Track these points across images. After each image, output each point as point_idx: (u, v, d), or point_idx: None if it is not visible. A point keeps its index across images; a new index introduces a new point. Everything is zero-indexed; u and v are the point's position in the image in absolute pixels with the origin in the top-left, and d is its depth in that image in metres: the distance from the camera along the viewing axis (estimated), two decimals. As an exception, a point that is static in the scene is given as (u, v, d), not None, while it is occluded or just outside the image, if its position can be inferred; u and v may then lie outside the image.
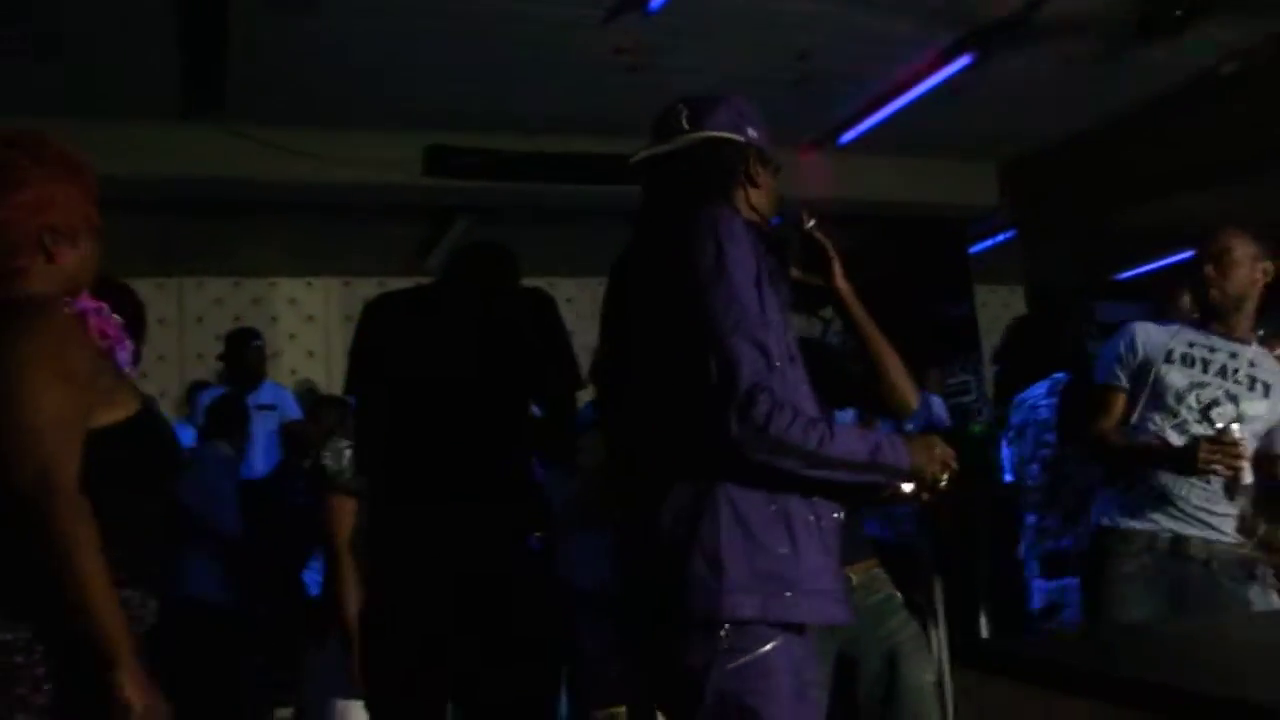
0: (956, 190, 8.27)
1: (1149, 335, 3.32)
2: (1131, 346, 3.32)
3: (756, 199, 2.41)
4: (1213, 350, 3.28)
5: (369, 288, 9.76)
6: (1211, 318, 3.34)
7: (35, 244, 2.06)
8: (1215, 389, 3.24)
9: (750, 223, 2.28)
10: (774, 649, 2.09)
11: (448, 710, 3.17)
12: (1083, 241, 8.75)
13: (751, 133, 2.40)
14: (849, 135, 7.25)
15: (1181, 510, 3.20)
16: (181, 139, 6.27)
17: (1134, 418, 3.32)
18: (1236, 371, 3.26)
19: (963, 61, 6.06)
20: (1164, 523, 3.21)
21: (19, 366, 1.91)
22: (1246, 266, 3.28)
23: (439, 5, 5.24)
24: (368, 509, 3.39)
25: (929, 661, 2.89)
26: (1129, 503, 3.25)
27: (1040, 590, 3.97)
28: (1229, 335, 3.33)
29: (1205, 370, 3.25)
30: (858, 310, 2.74)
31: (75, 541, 1.85)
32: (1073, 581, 3.71)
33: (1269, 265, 3.31)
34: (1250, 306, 3.34)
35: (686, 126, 2.40)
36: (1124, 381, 3.32)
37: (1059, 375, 4.34)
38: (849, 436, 2.16)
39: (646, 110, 2.56)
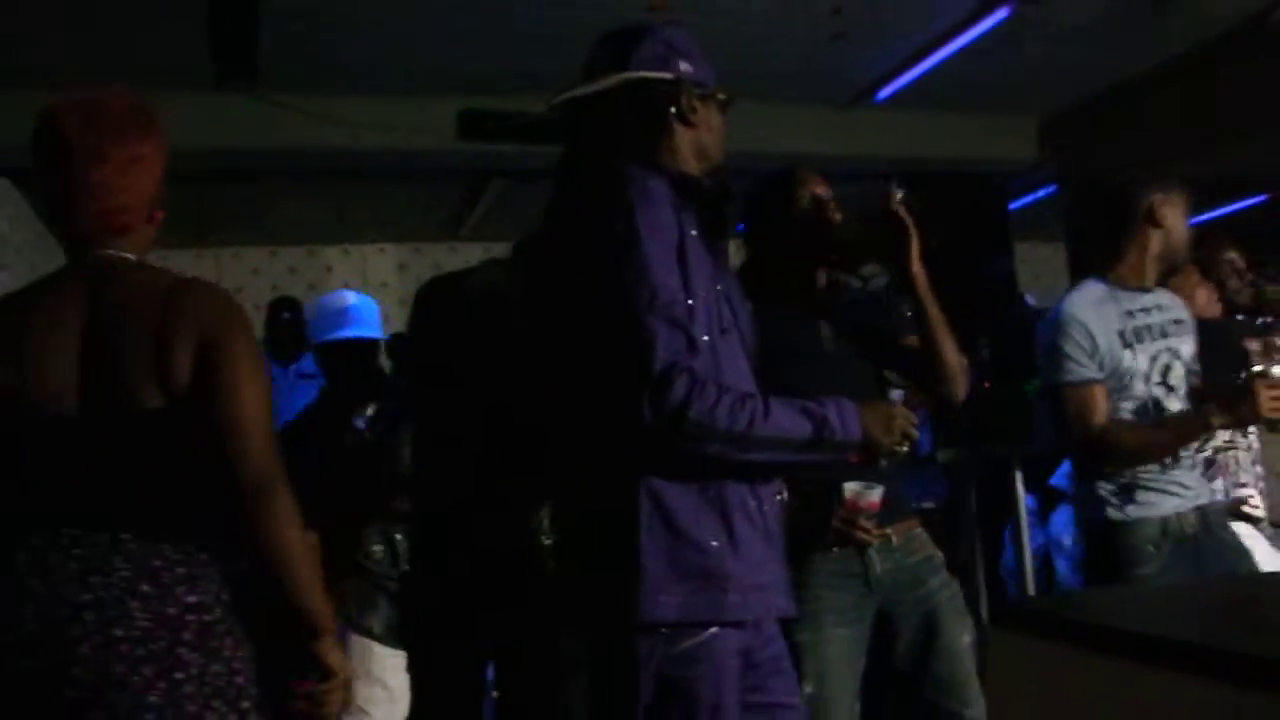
0: (996, 145, 8.17)
1: (1095, 322, 3.10)
2: (1088, 337, 3.09)
3: (693, 142, 2.15)
4: (1146, 311, 3.14)
5: (404, 254, 9.81)
6: (1141, 274, 3.18)
7: (146, 202, 2.02)
8: (1164, 354, 3.13)
9: (681, 176, 2.09)
10: (714, 635, 1.95)
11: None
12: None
13: (684, 66, 2.13)
14: (886, 91, 7.16)
15: (1173, 487, 3.09)
16: (215, 108, 6.27)
17: None
18: (1165, 324, 3.15)
19: (1000, 14, 5.96)
20: (1165, 505, 3.07)
21: (243, 357, 1.95)
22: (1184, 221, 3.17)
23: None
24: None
25: (967, 623, 2.85)
26: (1129, 492, 3.09)
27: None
28: (1147, 286, 3.18)
29: (1152, 338, 3.13)
30: (926, 292, 2.65)
31: (294, 525, 1.94)
32: None
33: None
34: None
35: (606, 66, 2.13)
36: (1098, 373, 3.09)
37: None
38: (787, 412, 1.97)
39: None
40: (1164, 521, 3.06)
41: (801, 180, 2.86)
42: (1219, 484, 3.56)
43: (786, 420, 1.96)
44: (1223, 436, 3.56)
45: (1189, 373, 3.16)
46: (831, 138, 7.43)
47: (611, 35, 2.19)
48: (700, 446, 1.90)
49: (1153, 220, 3.12)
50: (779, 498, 2.15)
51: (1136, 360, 3.09)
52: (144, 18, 5.38)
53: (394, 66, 6.27)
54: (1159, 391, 3.10)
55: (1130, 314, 3.11)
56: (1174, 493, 3.07)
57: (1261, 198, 8.74)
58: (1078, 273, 8.94)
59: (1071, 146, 8.10)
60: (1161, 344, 3.13)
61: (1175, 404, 3.10)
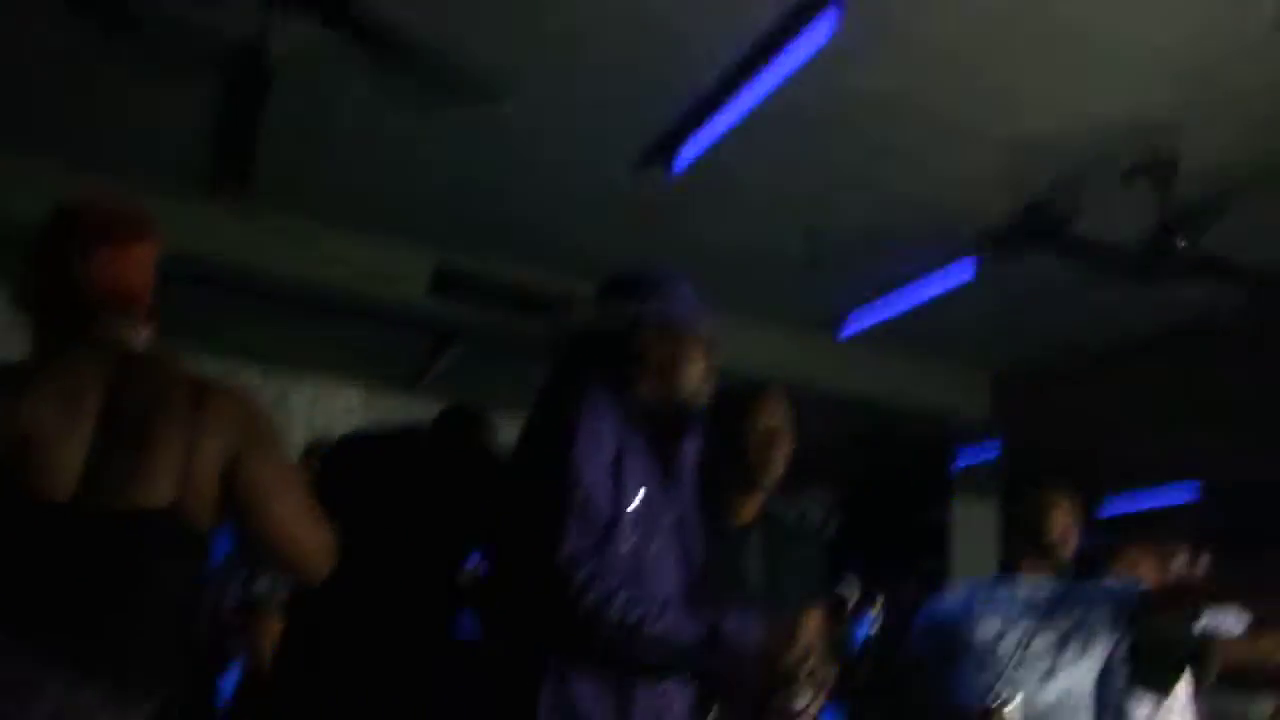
0: (949, 397, 8.35)
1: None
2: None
3: (656, 374, 2.37)
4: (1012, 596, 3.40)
5: (361, 395, 9.79)
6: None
7: (148, 293, 2.10)
8: (1029, 630, 3.34)
9: (639, 400, 2.30)
10: None
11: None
12: (1065, 468, 8.74)
13: (651, 306, 2.40)
14: (851, 327, 7.37)
15: None
16: (201, 215, 6.34)
17: None
18: (1042, 601, 3.38)
19: (965, 271, 6.18)
20: None
21: (276, 468, 2.02)
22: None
23: (474, 125, 5.32)
24: None
25: None
26: None
27: None
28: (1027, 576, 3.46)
29: (1020, 616, 3.35)
30: None
31: None
32: None
33: None
34: None
35: (593, 299, 2.47)
36: None
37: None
38: (684, 616, 2.10)
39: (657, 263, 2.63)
40: None
41: (761, 409, 2.92)
42: None
43: (678, 622, 2.09)
44: None
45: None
46: (790, 362, 7.55)
47: (611, 277, 2.50)
48: (592, 633, 2.04)
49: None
50: (678, 707, 2.21)
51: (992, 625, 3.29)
52: (150, 110, 5.48)
53: (383, 208, 6.39)
54: (1018, 655, 3.23)
55: (1006, 591, 3.35)
56: None
57: (1193, 490, 8.87)
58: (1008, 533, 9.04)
59: (1022, 410, 8.27)
60: (1023, 620, 3.29)
61: (1030, 671, 3.21)
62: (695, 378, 2.40)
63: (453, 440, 3.54)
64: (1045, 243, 5.73)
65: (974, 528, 9.45)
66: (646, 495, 2.20)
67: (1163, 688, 3.70)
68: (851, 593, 4.37)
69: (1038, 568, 3.40)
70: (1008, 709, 3.00)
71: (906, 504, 8.78)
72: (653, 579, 2.16)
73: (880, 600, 3.27)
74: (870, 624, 4.85)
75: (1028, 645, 3.24)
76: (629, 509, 2.15)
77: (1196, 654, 3.69)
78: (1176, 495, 8.72)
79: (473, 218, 6.37)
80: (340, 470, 3.31)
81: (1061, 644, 3.26)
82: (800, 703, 2.47)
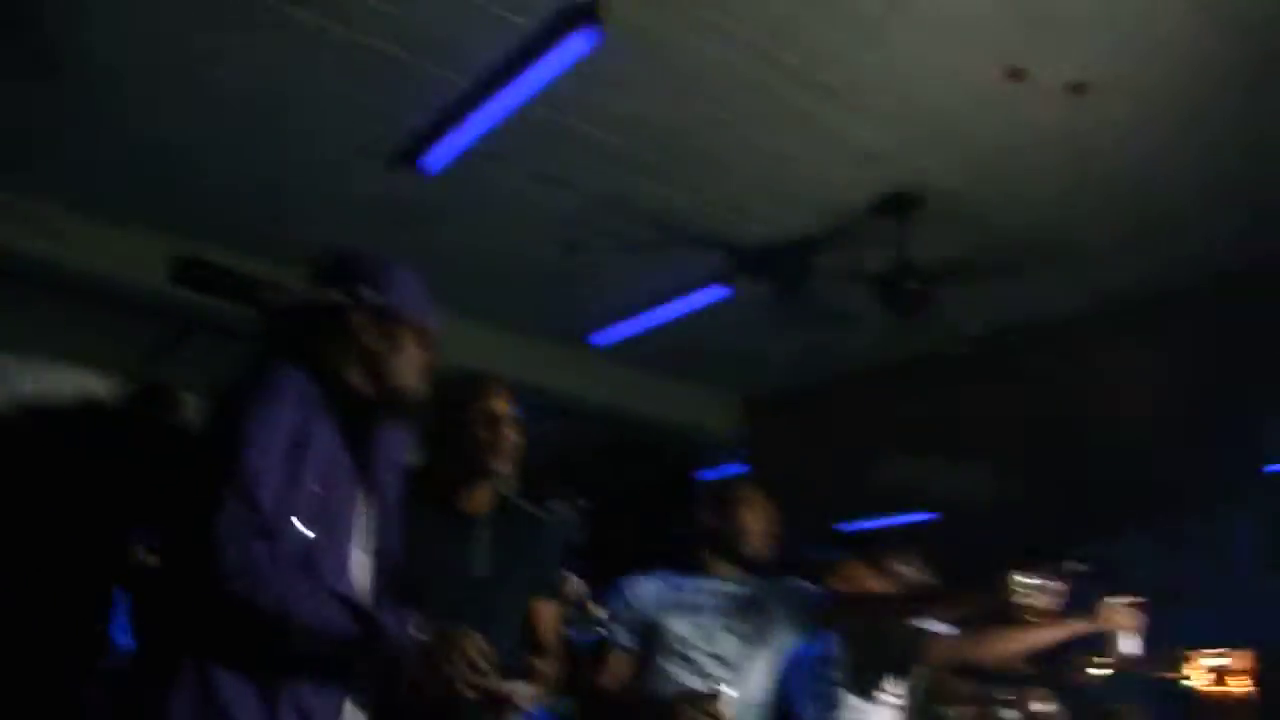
0: (698, 413, 8.46)
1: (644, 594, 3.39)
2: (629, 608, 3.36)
3: (364, 359, 2.25)
4: (712, 594, 3.34)
5: (93, 381, 9.28)
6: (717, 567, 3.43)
7: None
8: (718, 629, 3.28)
9: (338, 382, 2.19)
10: None
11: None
12: (808, 488, 8.98)
13: (368, 293, 2.27)
14: (602, 337, 7.34)
15: None
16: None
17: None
18: (731, 603, 3.33)
19: (720, 291, 6.24)
20: None
21: None
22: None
23: (219, 103, 5.09)
24: None
25: None
26: None
27: None
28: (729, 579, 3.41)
29: (705, 611, 3.32)
30: None
31: None
32: None
33: None
34: None
35: (310, 280, 2.32)
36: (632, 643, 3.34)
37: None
38: (340, 608, 1.96)
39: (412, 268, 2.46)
40: None
41: (484, 393, 2.87)
42: None
43: (335, 613, 1.95)
44: None
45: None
46: (541, 371, 7.53)
47: (323, 254, 2.35)
48: (239, 617, 1.89)
49: None
50: (338, 701, 2.10)
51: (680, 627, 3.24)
52: None
53: (122, 190, 6.03)
54: (702, 658, 3.21)
55: (692, 591, 3.30)
56: None
57: (934, 514, 9.23)
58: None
59: (768, 429, 8.45)
60: (714, 619, 3.26)
61: (721, 671, 3.19)
62: (409, 370, 2.29)
63: (134, 418, 3.34)
64: (795, 269, 5.85)
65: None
66: (330, 486, 2.07)
67: (869, 690, 3.77)
68: (583, 592, 4.38)
69: (725, 566, 3.38)
70: (721, 696, 2.99)
71: (655, 517, 8.83)
72: (326, 569, 2.03)
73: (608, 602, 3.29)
74: (601, 624, 4.85)
75: (717, 643, 3.24)
76: (306, 494, 2.01)
77: (906, 656, 3.79)
78: (914, 517, 9.07)
79: (223, 211, 6.09)
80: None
81: (748, 643, 3.27)
82: (517, 689, 2.42)
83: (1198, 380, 5.95)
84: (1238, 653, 7.07)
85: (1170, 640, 7.52)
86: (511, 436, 2.85)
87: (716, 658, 3.22)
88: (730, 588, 3.34)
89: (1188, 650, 7.05)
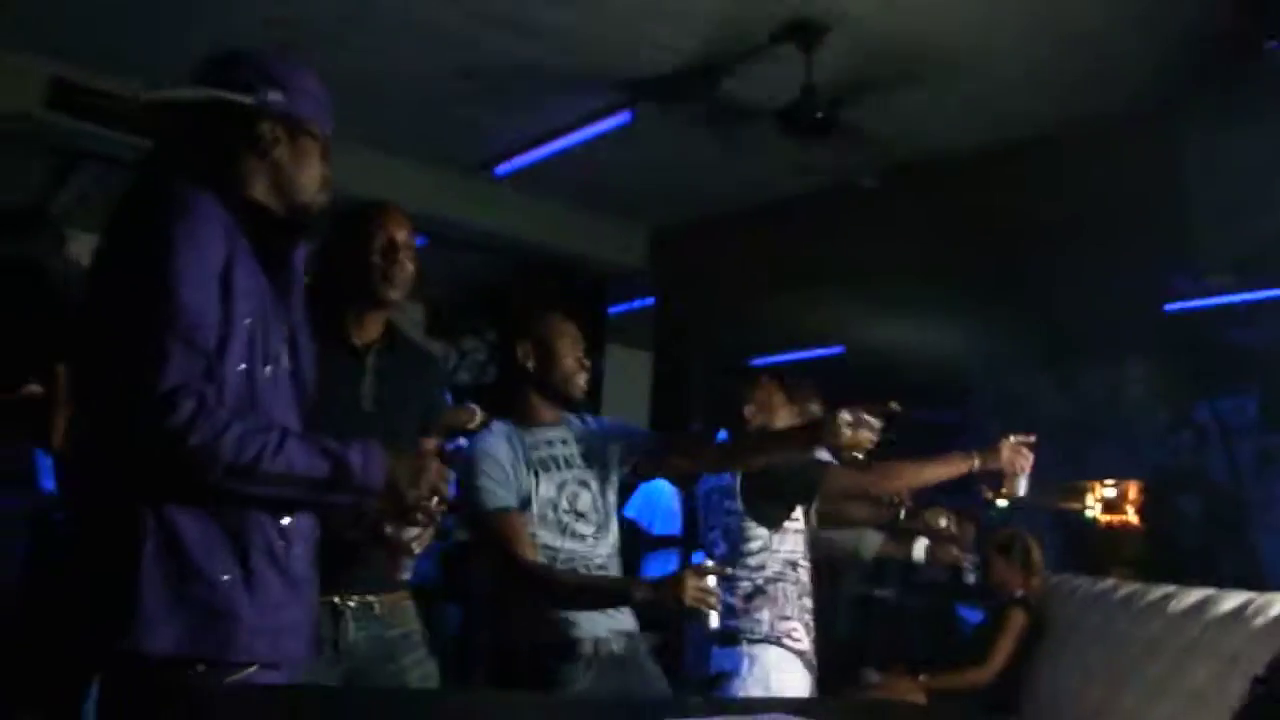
0: (605, 246, 8.32)
1: (500, 450, 3.12)
2: (499, 467, 3.10)
3: (270, 172, 2.08)
4: (550, 444, 3.17)
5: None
6: (538, 410, 3.21)
7: None
8: (571, 483, 3.15)
9: (244, 201, 2.03)
10: (253, 675, 1.89)
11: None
12: (718, 321, 8.98)
13: (273, 95, 2.07)
14: (505, 167, 7.12)
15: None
16: None
17: None
18: (573, 454, 3.19)
19: (622, 117, 6.08)
20: (595, 626, 3.05)
21: None
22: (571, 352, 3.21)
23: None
24: None
25: None
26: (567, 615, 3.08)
27: (715, 656, 3.92)
28: (553, 422, 3.23)
29: (558, 468, 3.15)
30: None
31: None
32: (741, 651, 3.67)
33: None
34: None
35: (198, 80, 2.08)
36: (513, 501, 3.10)
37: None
38: (303, 449, 1.90)
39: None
40: (595, 642, 3.04)
41: (382, 218, 2.75)
42: (764, 615, 3.70)
43: (301, 457, 1.88)
44: (772, 568, 3.75)
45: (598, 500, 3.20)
46: (444, 202, 7.35)
47: (212, 55, 2.12)
48: (201, 474, 1.81)
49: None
50: (307, 543, 2.05)
51: (544, 489, 3.10)
52: None
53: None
54: (568, 518, 3.11)
55: (535, 446, 3.13)
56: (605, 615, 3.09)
57: (838, 349, 9.29)
58: (659, 387, 9.25)
59: (676, 262, 8.37)
60: (568, 474, 3.16)
61: (585, 528, 3.12)
62: (315, 181, 2.14)
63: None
64: (697, 97, 5.71)
65: (625, 376, 9.62)
66: (259, 311, 1.95)
67: (774, 521, 3.79)
68: (470, 420, 4.33)
69: (551, 410, 3.21)
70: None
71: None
72: (266, 405, 1.94)
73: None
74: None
75: (578, 500, 3.14)
76: (239, 327, 1.90)
77: (807, 485, 3.80)
78: (819, 351, 9.14)
79: (95, 29, 5.73)
80: None
81: (602, 493, 3.21)
82: (411, 533, 2.40)
83: (1098, 218, 5.94)
84: (1126, 483, 7.31)
85: (1069, 474, 7.74)
86: (409, 266, 2.74)
87: (580, 515, 3.13)
88: (569, 434, 3.21)
89: (1083, 482, 7.26)
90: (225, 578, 1.87)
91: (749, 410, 3.89)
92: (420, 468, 2.04)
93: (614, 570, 3.20)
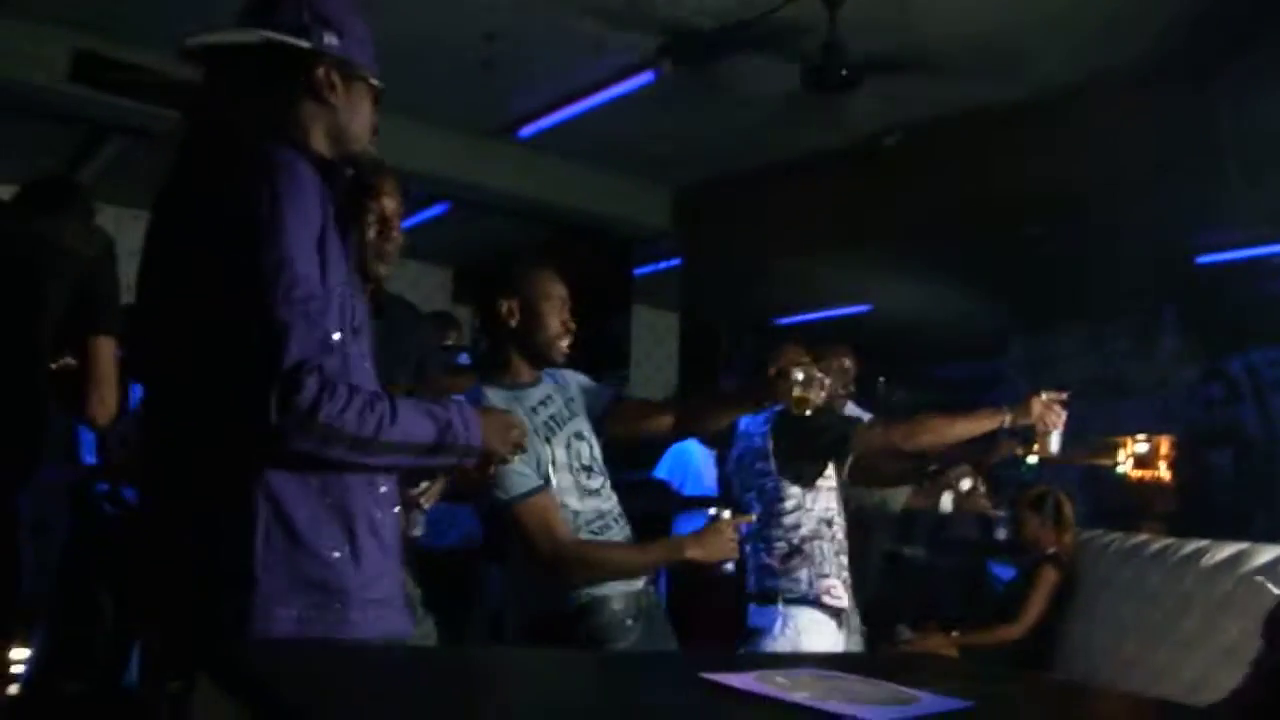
0: (630, 207, 8.30)
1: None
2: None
3: (328, 121, 1.97)
4: (543, 404, 2.99)
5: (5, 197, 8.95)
6: (520, 373, 3.03)
7: None
8: (573, 439, 2.99)
9: (325, 161, 1.93)
10: None
11: None
12: (744, 281, 8.95)
13: (329, 39, 1.95)
14: (529, 129, 7.09)
15: None
16: None
17: None
18: (561, 410, 3.01)
19: (646, 77, 6.04)
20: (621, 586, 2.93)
21: None
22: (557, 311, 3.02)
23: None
24: None
25: None
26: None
27: (751, 613, 3.94)
28: (533, 382, 3.03)
29: (560, 426, 2.99)
30: None
31: None
32: (777, 609, 3.70)
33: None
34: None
35: (247, 21, 1.94)
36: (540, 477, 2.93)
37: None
38: (413, 415, 1.87)
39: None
40: (636, 596, 2.93)
41: (380, 191, 2.72)
42: (802, 574, 3.72)
43: (412, 423, 1.87)
44: (808, 527, 3.76)
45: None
46: (469, 166, 7.34)
47: None
48: (326, 449, 1.77)
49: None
50: (395, 510, 2.00)
51: (559, 453, 2.94)
52: None
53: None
54: (580, 476, 2.95)
55: (535, 410, 2.94)
56: None
57: (865, 307, 9.25)
58: (686, 347, 9.25)
59: (700, 223, 8.34)
60: (567, 430, 2.99)
61: (594, 481, 2.97)
62: (367, 130, 2.04)
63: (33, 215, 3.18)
64: (721, 56, 5.67)
65: (652, 337, 9.62)
66: (346, 277, 1.89)
67: (808, 479, 3.80)
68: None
69: (529, 370, 3.03)
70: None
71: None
72: (357, 372, 1.89)
73: None
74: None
75: (581, 455, 2.99)
76: (334, 295, 1.83)
77: (839, 441, 3.79)
78: (847, 310, 9.09)
79: (126, 3, 5.72)
80: None
81: (594, 447, 3.06)
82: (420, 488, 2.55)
83: (1129, 173, 5.88)
84: (1158, 438, 7.25)
85: (1100, 429, 7.70)
86: (399, 238, 2.72)
87: (587, 469, 2.98)
88: (550, 390, 3.04)
89: (1115, 438, 7.20)
90: (336, 555, 1.84)
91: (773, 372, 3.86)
92: (508, 424, 2.08)
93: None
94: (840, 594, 3.75)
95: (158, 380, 1.97)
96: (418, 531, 2.61)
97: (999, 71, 5.94)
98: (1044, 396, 3.60)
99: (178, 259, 1.89)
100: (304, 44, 1.93)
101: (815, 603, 3.70)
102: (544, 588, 2.94)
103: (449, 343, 5.33)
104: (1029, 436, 3.72)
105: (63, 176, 3.18)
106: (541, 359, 3.00)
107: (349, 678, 1.54)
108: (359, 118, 2.02)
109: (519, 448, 2.11)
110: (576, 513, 2.90)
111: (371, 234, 2.68)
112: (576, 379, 3.16)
